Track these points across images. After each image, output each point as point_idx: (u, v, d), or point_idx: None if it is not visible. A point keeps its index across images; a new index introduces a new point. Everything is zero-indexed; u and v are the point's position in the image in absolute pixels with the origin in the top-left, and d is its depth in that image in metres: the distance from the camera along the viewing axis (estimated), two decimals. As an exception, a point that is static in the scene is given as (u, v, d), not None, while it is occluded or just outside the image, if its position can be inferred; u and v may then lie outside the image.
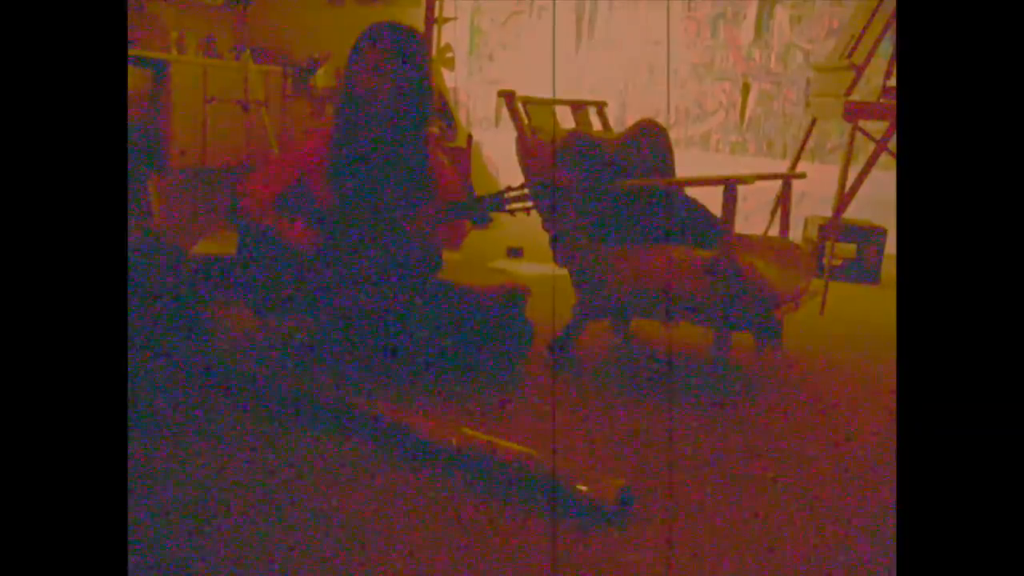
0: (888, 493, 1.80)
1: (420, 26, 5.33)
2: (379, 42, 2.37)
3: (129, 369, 1.14)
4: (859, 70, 3.35)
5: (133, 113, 4.99)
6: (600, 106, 3.13)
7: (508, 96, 2.66)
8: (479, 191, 2.43)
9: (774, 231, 3.33)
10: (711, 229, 2.58)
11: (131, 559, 1.21)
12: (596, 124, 3.11)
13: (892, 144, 3.34)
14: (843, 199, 3.50)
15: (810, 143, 4.25)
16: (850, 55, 3.45)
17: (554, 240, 2.58)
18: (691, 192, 2.86)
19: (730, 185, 2.30)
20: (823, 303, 3.39)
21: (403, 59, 2.37)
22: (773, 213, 4.02)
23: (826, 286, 3.40)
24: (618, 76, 5.95)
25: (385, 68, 2.35)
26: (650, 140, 2.91)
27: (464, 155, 5.23)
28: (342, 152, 2.43)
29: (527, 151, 2.61)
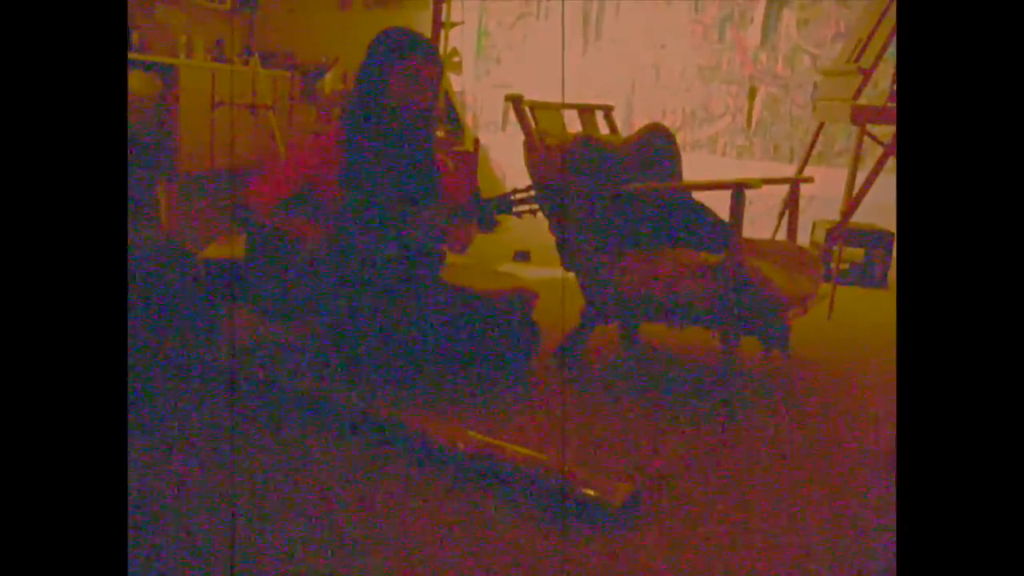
0: (891, 496, 1.79)
1: (427, 30, 5.35)
2: (415, 55, 2.37)
3: (138, 372, 1.15)
4: (867, 74, 3.35)
5: (141, 117, 5.01)
6: (607, 110, 3.13)
7: (515, 100, 2.66)
8: (486, 195, 2.43)
9: (782, 235, 3.33)
10: (718, 233, 2.58)
11: (131, 559, 1.21)
12: (603, 128, 3.11)
13: (900, 148, 3.33)
14: (851, 203, 3.50)
15: (817, 147, 4.25)
16: (858, 59, 3.45)
17: (561, 244, 2.58)
18: (698, 196, 2.86)
19: (737, 189, 2.29)
20: (831, 307, 3.39)
21: (437, 73, 2.41)
22: (780, 217, 4.01)
23: (834, 290, 3.39)
24: (625, 79, 5.96)
25: (425, 83, 2.38)
26: (657, 144, 2.92)
27: (471, 159, 5.24)
28: (357, 155, 2.43)
29: (535, 155, 2.61)
